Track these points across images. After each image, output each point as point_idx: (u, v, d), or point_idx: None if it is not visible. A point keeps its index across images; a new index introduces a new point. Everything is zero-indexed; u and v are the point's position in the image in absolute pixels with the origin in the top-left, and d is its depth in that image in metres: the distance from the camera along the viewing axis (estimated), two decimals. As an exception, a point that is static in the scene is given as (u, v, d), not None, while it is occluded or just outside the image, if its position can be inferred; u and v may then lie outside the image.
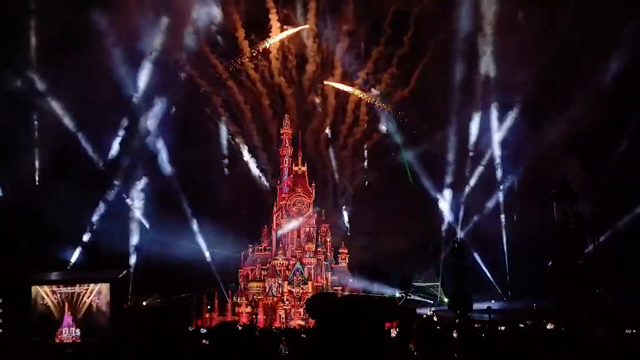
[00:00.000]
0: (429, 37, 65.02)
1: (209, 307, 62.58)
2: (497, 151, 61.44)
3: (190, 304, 59.86)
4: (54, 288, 27.97)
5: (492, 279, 61.20)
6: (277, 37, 69.28)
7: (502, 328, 20.15)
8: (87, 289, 28.03)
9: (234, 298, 64.55)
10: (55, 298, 27.80)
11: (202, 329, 23.08)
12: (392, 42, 68.58)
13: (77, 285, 28.02)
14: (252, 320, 59.02)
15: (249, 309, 62.66)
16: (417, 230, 62.42)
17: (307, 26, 69.64)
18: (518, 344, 10.80)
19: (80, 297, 27.82)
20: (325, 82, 70.95)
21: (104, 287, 28.12)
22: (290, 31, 69.61)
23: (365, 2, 67.77)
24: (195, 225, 63.17)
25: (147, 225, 58.65)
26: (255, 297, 64.24)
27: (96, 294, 28.11)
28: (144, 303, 55.24)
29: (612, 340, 9.69)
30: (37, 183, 51.92)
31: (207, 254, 63.19)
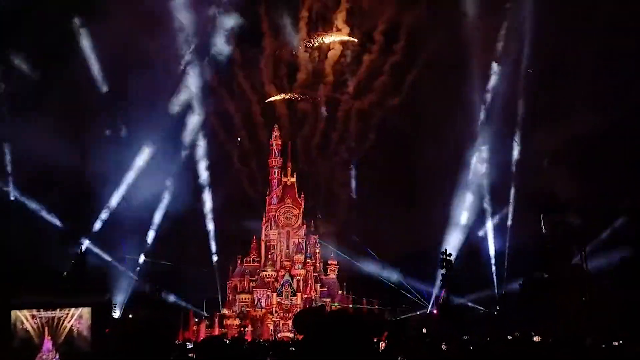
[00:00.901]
0: (420, 47, 65.85)
1: (196, 319, 62.10)
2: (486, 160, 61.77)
3: (177, 316, 59.32)
4: (34, 312, 27.45)
5: (480, 290, 61.21)
6: (332, 37, 69.84)
7: (491, 339, 20.14)
8: (67, 313, 27.55)
9: (222, 310, 64.13)
10: (35, 322, 27.27)
11: (188, 343, 22.73)
12: (384, 51, 69.38)
13: (58, 309, 27.53)
14: (240, 333, 58.59)
15: (237, 321, 62.21)
16: (409, 240, 62.50)
17: (354, 39, 70.17)
18: (508, 353, 10.82)
19: (61, 322, 27.34)
20: (267, 100, 71.60)
21: (85, 312, 27.70)
22: (338, 37, 70.12)
23: (358, 11, 68.65)
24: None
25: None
26: (243, 309, 63.86)
27: (77, 318, 27.68)
28: (130, 316, 54.79)
29: (600, 349, 9.72)
30: (13, 198, 51.21)
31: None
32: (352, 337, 2.39)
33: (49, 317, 27.12)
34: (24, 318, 26.97)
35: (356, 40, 69.90)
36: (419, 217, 63.64)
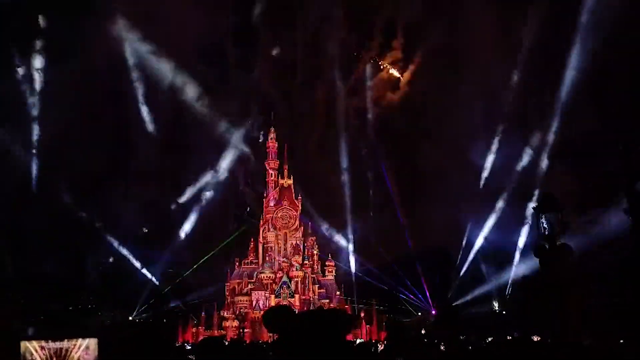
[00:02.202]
0: (418, 44, 66.36)
1: (195, 321, 61.95)
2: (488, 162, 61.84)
3: (176, 318, 59.21)
4: (43, 343, 27.75)
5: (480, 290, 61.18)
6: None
7: (490, 339, 20.10)
8: (75, 344, 27.88)
9: (220, 312, 63.94)
10: (44, 353, 27.57)
11: (186, 345, 22.58)
12: (383, 48, 69.86)
13: (65, 340, 27.88)
14: (239, 335, 58.45)
15: (235, 323, 62.01)
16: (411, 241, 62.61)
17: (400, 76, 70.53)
18: (507, 354, 10.77)
19: (68, 353, 27.63)
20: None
21: (92, 342, 28.04)
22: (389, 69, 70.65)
23: (357, 9, 68.95)
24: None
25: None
26: (242, 311, 63.68)
27: (84, 349, 27.99)
28: (130, 318, 54.73)
29: (599, 351, 9.69)
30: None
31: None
32: (320, 333, 2.39)
33: (57, 348, 27.39)
34: (33, 349, 27.19)
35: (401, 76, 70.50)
36: (420, 218, 63.81)
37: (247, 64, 70.99)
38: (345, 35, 70.10)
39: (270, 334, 57.61)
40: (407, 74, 69.73)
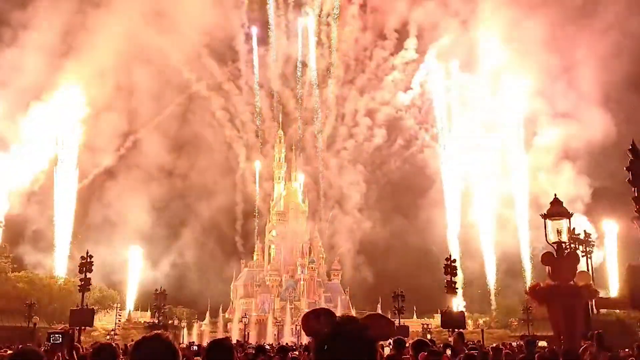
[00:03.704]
0: (429, 43, 66.74)
1: (200, 323, 61.79)
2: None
3: (180, 319, 59.13)
4: None
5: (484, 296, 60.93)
6: None
7: (495, 345, 20.04)
8: None
9: (225, 314, 63.75)
10: None
11: (192, 346, 22.43)
12: (395, 47, 70.25)
13: None
14: (243, 337, 58.28)
15: (240, 325, 61.81)
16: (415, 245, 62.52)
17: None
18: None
19: None
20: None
21: None
22: None
23: (370, 8, 69.35)
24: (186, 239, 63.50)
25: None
26: (247, 313, 63.52)
27: None
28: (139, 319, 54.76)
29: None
30: None
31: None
32: (362, 341, 2.41)
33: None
34: None
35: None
36: (426, 220, 63.70)
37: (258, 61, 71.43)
38: (359, 33, 70.64)
39: (275, 338, 57.38)
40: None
